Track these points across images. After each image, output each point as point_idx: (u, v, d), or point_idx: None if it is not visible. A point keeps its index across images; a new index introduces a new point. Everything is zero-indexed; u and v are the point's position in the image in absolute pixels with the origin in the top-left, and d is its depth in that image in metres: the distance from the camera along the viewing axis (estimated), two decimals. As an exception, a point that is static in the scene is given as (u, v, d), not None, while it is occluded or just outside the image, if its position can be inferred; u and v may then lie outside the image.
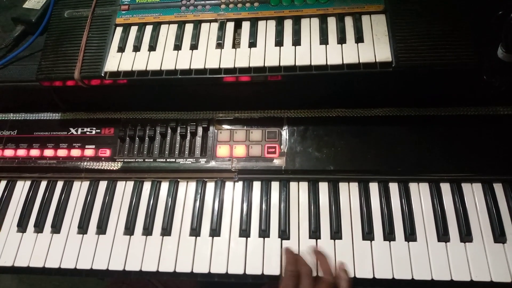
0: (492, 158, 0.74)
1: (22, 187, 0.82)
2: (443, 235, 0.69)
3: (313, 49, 0.73)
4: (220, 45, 0.75)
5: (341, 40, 0.73)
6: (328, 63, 0.71)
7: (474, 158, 0.74)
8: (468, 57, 0.69)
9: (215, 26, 0.78)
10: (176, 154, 0.79)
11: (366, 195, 0.74)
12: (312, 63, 0.71)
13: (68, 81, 0.77)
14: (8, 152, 0.82)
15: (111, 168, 0.79)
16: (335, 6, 0.76)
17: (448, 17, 0.72)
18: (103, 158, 0.80)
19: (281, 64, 0.72)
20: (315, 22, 0.76)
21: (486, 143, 0.74)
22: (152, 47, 0.77)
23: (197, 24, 0.78)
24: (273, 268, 0.69)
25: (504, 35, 0.69)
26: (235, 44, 0.76)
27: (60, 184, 0.81)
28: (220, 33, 0.76)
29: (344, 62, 0.70)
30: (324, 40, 0.73)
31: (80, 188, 0.80)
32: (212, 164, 0.78)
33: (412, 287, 0.67)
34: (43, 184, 0.82)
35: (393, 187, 0.75)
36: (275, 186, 0.77)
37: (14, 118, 0.86)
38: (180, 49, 0.76)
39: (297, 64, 0.71)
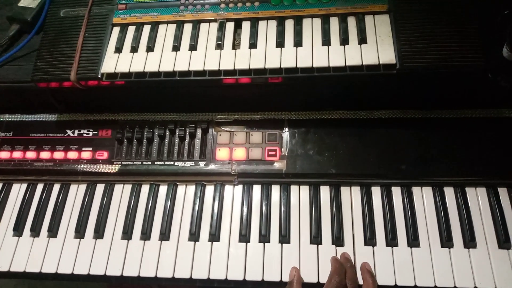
0: (497, 161, 0.72)
1: (18, 190, 0.80)
2: (446, 241, 0.68)
3: (315, 50, 0.71)
4: (219, 46, 0.74)
5: (344, 41, 0.71)
6: (331, 65, 0.69)
7: (478, 162, 0.72)
8: (475, 59, 0.67)
9: (214, 26, 0.76)
10: (175, 157, 0.78)
11: (368, 199, 0.73)
12: (314, 65, 0.69)
13: (64, 82, 0.75)
14: (4, 154, 0.81)
15: (109, 171, 0.78)
16: (337, 6, 0.74)
17: (454, 17, 0.71)
18: (100, 161, 0.79)
19: (282, 66, 0.70)
20: (317, 22, 0.74)
21: (490, 146, 0.73)
22: (150, 48, 0.75)
23: (196, 24, 0.77)
24: (273, 274, 0.68)
25: (509, 35, 0.67)
26: (235, 45, 0.75)
27: (56, 187, 0.80)
28: (220, 34, 0.75)
29: (347, 64, 0.69)
30: (326, 41, 0.72)
31: (77, 191, 0.79)
32: (212, 167, 0.76)
33: (415, 293, 0.66)
34: (40, 187, 0.80)
35: (396, 191, 0.73)
36: (275, 190, 0.75)
37: (10, 119, 0.84)
38: (179, 50, 0.74)
39: (298, 66, 0.70)
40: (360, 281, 0.66)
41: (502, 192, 0.72)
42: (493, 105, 0.75)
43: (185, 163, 0.77)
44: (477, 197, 0.72)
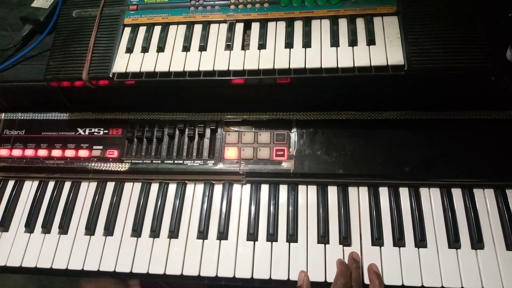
0: (505, 163, 0.72)
1: (30, 187, 0.82)
2: (454, 242, 0.68)
3: (323, 51, 0.71)
4: (229, 47, 0.74)
5: (352, 42, 0.71)
6: (339, 66, 0.69)
7: (487, 163, 0.72)
8: (483, 60, 0.67)
9: (224, 27, 0.77)
10: (184, 156, 0.79)
11: (376, 200, 0.73)
12: (323, 66, 0.70)
13: (76, 82, 0.76)
14: (16, 152, 0.82)
15: (119, 169, 0.79)
16: (346, 8, 0.74)
17: (461, 19, 0.71)
18: (110, 159, 0.80)
19: (290, 67, 0.70)
20: (326, 23, 0.75)
21: (499, 148, 0.73)
22: (160, 48, 0.76)
23: (206, 25, 0.77)
24: (280, 272, 0.69)
25: (513, 38, 0.67)
26: (245, 46, 0.75)
27: (67, 185, 0.81)
28: (229, 35, 0.75)
29: (355, 65, 0.69)
30: (335, 42, 0.72)
31: (87, 189, 0.80)
32: (220, 166, 0.77)
33: (422, 294, 0.66)
34: (51, 184, 0.82)
35: (404, 192, 0.74)
36: (283, 189, 0.76)
37: (22, 117, 0.86)
38: (189, 51, 0.75)
39: (307, 66, 0.70)
40: (367, 282, 0.67)
41: (510, 194, 0.72)
42: (501, 106, 0.75)
43: (194, 162, 0.78)
44: (485, 198, 0.72)
